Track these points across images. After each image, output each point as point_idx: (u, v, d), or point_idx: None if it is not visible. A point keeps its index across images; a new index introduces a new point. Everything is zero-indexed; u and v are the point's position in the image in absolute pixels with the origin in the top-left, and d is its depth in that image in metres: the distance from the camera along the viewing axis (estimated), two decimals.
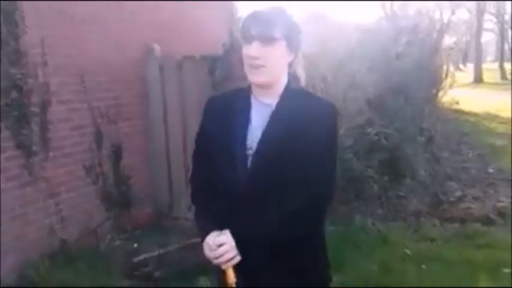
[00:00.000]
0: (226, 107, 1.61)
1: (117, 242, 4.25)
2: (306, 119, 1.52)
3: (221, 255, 1.50)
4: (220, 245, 1.50)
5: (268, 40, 1.49)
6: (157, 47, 4.69)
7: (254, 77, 1.53)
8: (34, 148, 3.67)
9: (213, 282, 3.29)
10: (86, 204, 4.17)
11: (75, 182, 4.09)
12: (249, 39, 1.50)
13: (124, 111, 4.44)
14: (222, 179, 1.57)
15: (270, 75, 1.53)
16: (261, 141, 1.52)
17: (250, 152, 1.53)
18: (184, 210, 4.64)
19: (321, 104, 1.59)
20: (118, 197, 4.43)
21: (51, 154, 3.82)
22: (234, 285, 1.51)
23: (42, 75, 3.71)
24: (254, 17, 1.51)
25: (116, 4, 4.36)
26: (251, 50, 1.49)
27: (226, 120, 1.57)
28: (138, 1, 4.59)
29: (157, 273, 3.64)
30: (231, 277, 1.51)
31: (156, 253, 3.90)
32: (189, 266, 3.61)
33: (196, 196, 1.69)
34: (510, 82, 27.37)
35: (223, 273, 1.52)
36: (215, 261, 1.52)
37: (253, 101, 1.58)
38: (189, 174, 1.77)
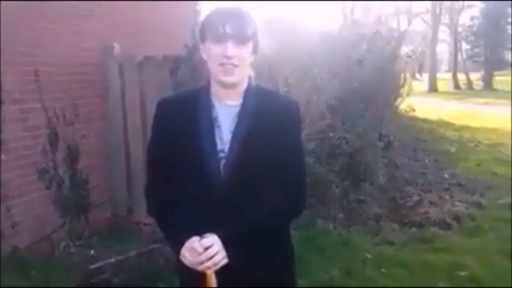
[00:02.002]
0: (185, 110, 1.54)
1: (73, 249, 4.07)
2: (274, 117, 1.51)
3: (210, 258, 1.43)
4: (207, 248, 1.43)
5: (243, 39, 1.46)
6: (116, 46, 4.57)
7: (227, 77, 1.48)
8: None
9: None
10: (39, 209, 3.99)
11: (28, 185, 3.91)
12: (222, 38, 1.45)
13: (82, 112, 4.29)
14: (192, 184, 1.51)
15: (241, 75, 1.51)
16: (232, 143, 1.48)
17: (222, 155, 1.49)
18: (144, 214, 4.53)
19: (286, 102, 1.61)
20: (74, 202, 4.26)
21: (2, 156, 3.64)
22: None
23: None
24: (226, 14, 1.46)
25: (75, 2, 4.22)
26: (228, 50, 1.44)
27: (188, 124, 1.51)
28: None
29: (115, 281, 3.51)
30: (213, 281, 1.45)
31: (113, 260, 3.77)
32: (148, 273, 3.52)
33: (157, 207, 1.61)
34: (463, 91, 28.52)
35: (203, 277, 1.46)
36: (201, 266, 1.44)
37: (215, 102, 1.53)
38: (145, 186, 1.68)
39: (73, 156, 4.24)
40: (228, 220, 1.45)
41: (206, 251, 1.43)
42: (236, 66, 1.47)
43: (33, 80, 3.83)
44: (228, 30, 1.44)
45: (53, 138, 4.06)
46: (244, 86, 1.55)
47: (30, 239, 3.82)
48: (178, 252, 1.49)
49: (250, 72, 1.58)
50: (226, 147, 1.49)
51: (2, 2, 3.55)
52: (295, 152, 1.57)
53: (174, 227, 1.54)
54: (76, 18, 4.25)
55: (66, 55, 4.16)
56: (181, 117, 1.53)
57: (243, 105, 1.51)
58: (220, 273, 1.45)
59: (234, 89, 1.52)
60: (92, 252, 3.98)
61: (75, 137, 4.22)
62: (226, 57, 1.45)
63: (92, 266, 3.69)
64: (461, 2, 32.61)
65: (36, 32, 3.89)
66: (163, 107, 1.59)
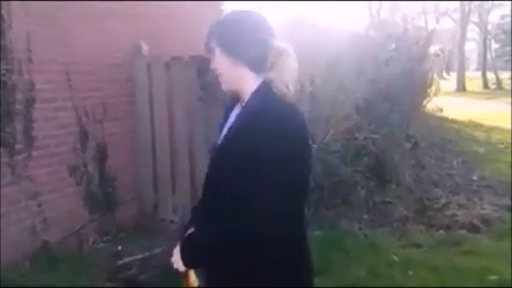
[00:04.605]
0: (229, 112, 1.66)
1: (101, 245, 4.16)
2: (243, 128, 1.43)
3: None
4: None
5: (208, 52, 1.56)
6: (144, 46, 4.63)
7: (222, 86, 1.60)
8: (17, 146, 3.58)
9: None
10: (69, 206, 4.07)
11: (58, 182, 4.00)
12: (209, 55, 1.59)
13: (111, 110, 4.37)
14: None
15: (228, 84, 1.57)
16: (218, 144, 1.58)
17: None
18: (170, 212, 4.59)
19: (268, 118, 1.41)
20: (102, 199, 4.34)
21: (34, 153, 3.73)
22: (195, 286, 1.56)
23: (27, 72, 3.63)
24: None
25: (104, 2, 4.29)
26: (211, 63, 1.58)
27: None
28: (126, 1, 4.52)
29: (141, 277, 3.57)
30: (192, 281, 1.56)
31: (140, 256, 3.83)
32: (174, 269, 3.56)
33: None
34: (492, 91, 27.89)
35: (184, 275, 1.58)
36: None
37: (237, 107, 1.61)
38: None
39: (102, 154, 4.32)
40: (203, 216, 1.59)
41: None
42: (220, 75, 1.56)
43: (64, 79, 3.92)
44: (204, 46, 1.58)
45: (83, 136, 4.15)
46: (249, 92, 1.50)
47: (60, 234, 3.90)
48: None
49: (280, 77, 1.46)
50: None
51: (32, 2, 3.63)
52: (235, 175, 1.42)
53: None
54: (106, 18, 4.32)
55: (95, 55, 4.23)
56: (228, 115, 1.65)
57: (239, 112, 1.55)
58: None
59: (241, 96, 1.56)
60: (119, 248, 4.05)
61: (104, 135, 4.30)
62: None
63: (120, 262, 3.75)
64: (490, 1, 31.90)
65: (66, 31, 3.97)
66: (225, 108, 1.70)
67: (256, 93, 1.49)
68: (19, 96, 3.59)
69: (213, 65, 1.56)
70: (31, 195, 3.69)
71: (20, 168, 3.60)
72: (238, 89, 1.55)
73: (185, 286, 1.56)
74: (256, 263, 1.43)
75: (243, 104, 1.52)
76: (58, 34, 3.91)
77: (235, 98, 1.62)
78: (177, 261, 1.54)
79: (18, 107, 3.58)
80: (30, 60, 3.63)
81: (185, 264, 1.53)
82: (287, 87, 1.46)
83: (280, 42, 1.51)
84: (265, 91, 1.47)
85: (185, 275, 1.54)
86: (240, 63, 1.50)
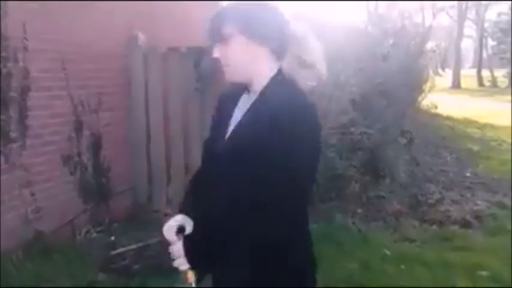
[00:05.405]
0: (229, 100, 1.57)
1: (94, 235, 4.16)
2: (270, 117, 1.36)
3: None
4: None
5: (222, 39, 1.44)
6: (141, 36, 4.61)
7: (225, 77, 1.50)
8: (12, 134, 3.56)
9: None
10: (63, 195, 4.06)
11: (52, 171, 3.98)
12: (211, 42, 1.47)
13: (106, 100, 4.34)
14: (200, 169, 1.61)
15: (235, 74, 1.46)
16: (230, 134, 1.48)
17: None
18: (164, 204, 4.58)
19: (293, 105, 1.38)
20: (96, 189, 4.33)
21: (29, 142, 3.71)
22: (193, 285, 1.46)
23: (23, 60, 3.60)
24: (208, 20, 1.48)
25: None
26: (214, 52, 1.46)
27: (225, 115, 1.54)
28: None
29: (134, 267, 3.57)
30: (191, 277, 1.46)
31: (134, 246, 3.83)
32: (168, 260, 3.56)
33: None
34: (487, 89, 28.01)
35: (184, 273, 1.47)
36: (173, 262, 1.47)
37: (244, 96, 1.51)
38: None
39: (97, 144, 4.31)
40: (205, 199, 1.49)
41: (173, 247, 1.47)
42: (227, 65, 1.46)
43: (60, 68, 3.90)
44: (209, 34, 1.46)
45: (78, 126, 4.13)
46: (262, 81, 1.45)
47: (53, 224, 3.89)
48: None
49: (283, 63, 1.46)
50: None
51: None
52: (275, 163, 1.33)
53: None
54: (102, 9, 4.29)
55: (92, 44, 4.20)
56: (224, 109, 1.57)
57: (255, 99, 1.47)
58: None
59: (250, 86, 1.48)
60: (113, 238, 4.05)
61: (99, 125, 4.29)
62: (217, 59, 1.47)
63: (113, 252, 3.75)
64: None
65: (63, 20, 3.94)
66: (218, 99, 1.64)
67: (276, 80, 1.44)
68: (14, 84, 3.56)
69: (220, 54, 1.44)
70: (24, 184, 3.68)
71: (14, 157, 3.58)
72: (248, 78, 1.46)
73: (183, 284, 1.47)
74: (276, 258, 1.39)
75: (260, 91, 1.44)
76: (54, 23, 3.87)
77: (236, 88, 1.54)
78: (178, 258, 1.43)
79: (13, 94, 3.56)
80: (26, 49, 3.60)
81: (191, 262, 1.42)
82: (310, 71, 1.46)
83: (300, 26, 1.48)
84: (284, 78, 1.44)
85: (185, 272, 1.46)
86: (262, 48, 1.43)
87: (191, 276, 1.45)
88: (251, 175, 1.33)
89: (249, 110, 1.45)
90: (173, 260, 1.45)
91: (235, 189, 1.37)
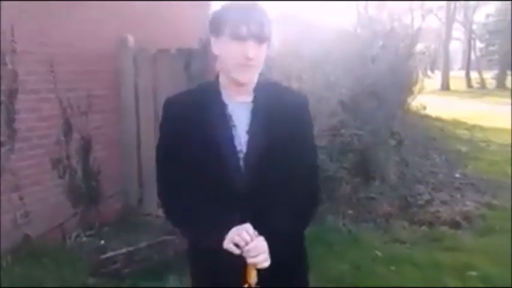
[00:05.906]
0: (196, 110, 1.47)
1: (84, 239, 4.12)
2: (288, 113, 1.50)
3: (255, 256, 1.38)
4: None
5: (263, 39, 1.42)
6: (130, 38, 4.59)
7: (244, 76, 1.43)
8: (0, 138, 3.52)
9: (182, 281, 3.24)
10: (52, 199, 4.03)
11: (41, 175, 3.95)
12: (243, 37, 1.39)
13: (95, 103, 4.32)
14: (214, 186, 1.45)
15: (256, 75, 1.48)
16: (250, 144, 1.44)
17: (240, 155, 1.45)
18: (155, 207, 4.56)
19: (297, 97, 1.59)
20: (86, 192, 4.30)
21: (17, 145, 3.68)
22: (253, 285, 1.40)
23: (11, 63, 3.57)
24: (248, 13, 1.40)
25: None
26: (249, 51, 1.39)
27: (202, 125, 1.45)
28: None
29: (125, 271, 3.54)
30: (254, 276, 1.40)
31: (124, 250, 3.80)
32: (158, 264, 3.54)
33: (183, 207, 1.51)
34: (475, 90, 28.26)
35: (245, 270, 1.40)
36: (253, 260, 1.38)
37: (226, 100, 1.48)
38: (159, 187, 1.61)
39: (86, 147, 4.28)
40: (252, 221, 1.41)
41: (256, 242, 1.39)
42: (254, 66, 1.44)
43: (49, 71, 3.87)
44: (251, 29, 1.39)
45: (67, 129, 4.10)
46: (254, 82, 1.50)
47: (42, 227, 3.85)
48: (217, 244, 1.41)
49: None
50: (244, 148, 1.45)
51: None
52: (311, 147, 1.58)
53: (208, 222, 1.46)
54: (91, 10, 4.26)
55: (81, 46, 4.18)
56: (194, 118, 1.46)
57: (255, 102, 1.47)
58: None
59: (246, 87, 1.48)
60: (103, 242, 4.02)
61: (88, 128, 4.26)
62: (247, 58, 1.40)
63: (103, 256, 3.72)
64: (476, 1, 32.24)
65: (52, 22, 3.91)
66: (173, 108, 1.52)
67: (266, 85, 1.53)
68: (2, 87, 3.53)
69: (252, 54, 1.40)
70: (13, 188, 3.64)
71: (2, 161, 3.55)
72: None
73: (246, 284, 1.41)
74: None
75: (255, 89, 1.49)
76: (43, 24, 3.85)
77: (189, 94, 1.56)
78: (261, 254, 1.38)
79: (1, 98, 3.52)
80: (14, 51, 3.57)
81: (276, 256, 1.40)
82: None
83: None
84: (270, 81, 1.60)
85: (251, 270, 1.39)
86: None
87: (255, 276, 1.40)
88: (299, 157, 1.50)
89: (259, 110, 1.47)
90: (253, 257, 1.37)
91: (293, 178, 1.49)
